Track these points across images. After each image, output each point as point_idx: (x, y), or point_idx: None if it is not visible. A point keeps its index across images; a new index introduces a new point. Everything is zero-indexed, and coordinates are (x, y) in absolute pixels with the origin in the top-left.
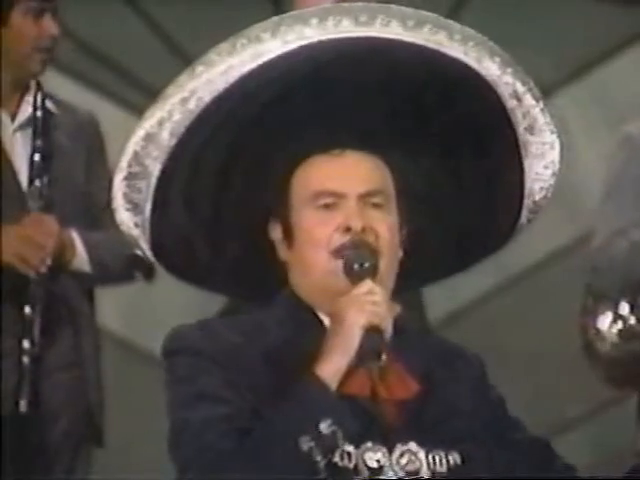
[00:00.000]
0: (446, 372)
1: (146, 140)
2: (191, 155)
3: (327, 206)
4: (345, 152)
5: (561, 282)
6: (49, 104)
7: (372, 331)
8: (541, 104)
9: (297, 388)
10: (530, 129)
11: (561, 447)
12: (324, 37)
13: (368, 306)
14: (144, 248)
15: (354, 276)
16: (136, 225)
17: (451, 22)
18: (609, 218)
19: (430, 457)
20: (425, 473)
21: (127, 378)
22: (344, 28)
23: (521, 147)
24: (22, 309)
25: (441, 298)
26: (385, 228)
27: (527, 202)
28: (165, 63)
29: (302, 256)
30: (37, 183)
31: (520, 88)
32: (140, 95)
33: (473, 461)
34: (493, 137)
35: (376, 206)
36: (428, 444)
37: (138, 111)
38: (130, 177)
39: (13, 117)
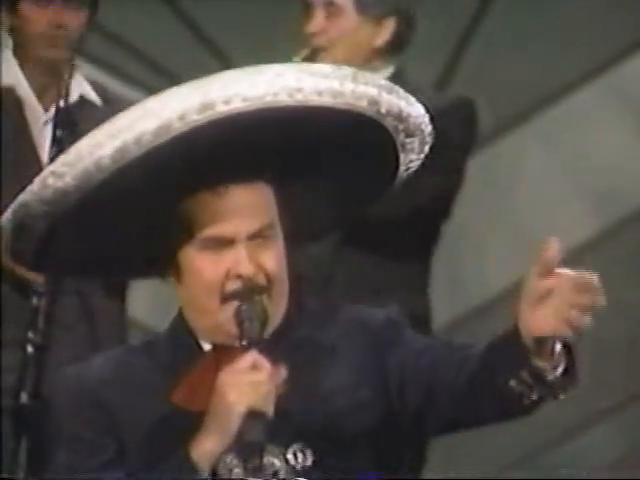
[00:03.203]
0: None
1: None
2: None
3: (216, 247)
4: (230, 189)
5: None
6: (93, 96)
7: (253, 416)
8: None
9: (172, 463)
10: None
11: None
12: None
13: (250, 389)
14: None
15: (243, 331)
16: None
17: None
18: None
19: (289, 453)
20: (284, 471)
21: None
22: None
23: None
24: (28, 299)
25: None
26: (274, 260)
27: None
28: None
29: (193, 297)
30: None
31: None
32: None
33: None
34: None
35: (265, 238)
36: (286, 440)
37: None
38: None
39: (47, 109)
